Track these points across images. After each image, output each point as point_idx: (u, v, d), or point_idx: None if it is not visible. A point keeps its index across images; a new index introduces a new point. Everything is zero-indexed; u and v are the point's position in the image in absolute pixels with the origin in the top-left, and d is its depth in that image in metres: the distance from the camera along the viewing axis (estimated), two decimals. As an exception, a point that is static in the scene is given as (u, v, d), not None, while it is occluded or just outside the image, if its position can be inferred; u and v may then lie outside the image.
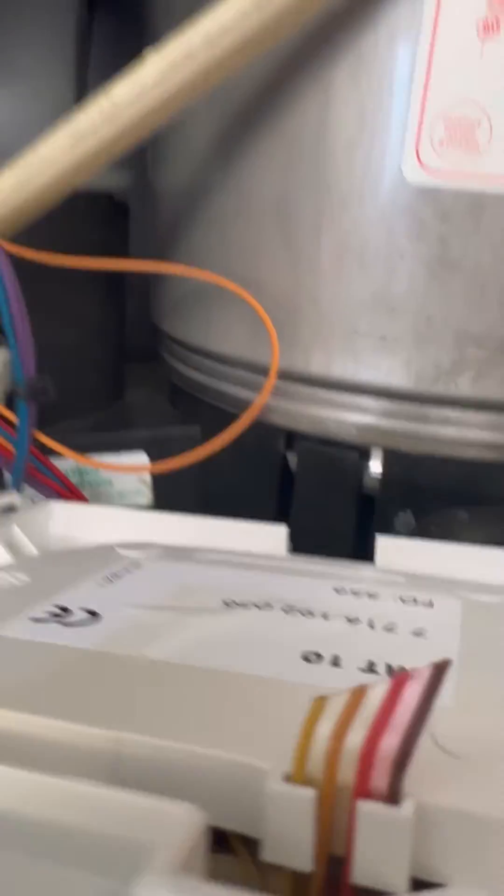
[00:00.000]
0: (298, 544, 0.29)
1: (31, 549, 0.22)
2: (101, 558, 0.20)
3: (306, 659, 0.14)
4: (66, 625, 0.16)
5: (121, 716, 0.12)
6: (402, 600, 0.18)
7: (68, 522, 0.24)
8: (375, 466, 0.28)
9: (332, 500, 0.29)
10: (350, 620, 0.16)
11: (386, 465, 0.28)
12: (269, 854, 0.10)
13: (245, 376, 0.30)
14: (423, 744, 0.10)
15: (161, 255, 0.33)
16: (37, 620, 0.16)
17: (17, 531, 0.22)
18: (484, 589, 0.19)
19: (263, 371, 0.29)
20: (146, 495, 0.34)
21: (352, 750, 0.10)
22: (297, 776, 0.10)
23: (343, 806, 0.10)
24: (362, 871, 0.09)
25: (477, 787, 0.10)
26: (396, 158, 0.24)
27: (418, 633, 0.16)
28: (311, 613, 0.17)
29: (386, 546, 0.21)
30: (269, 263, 0.27)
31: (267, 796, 0.10)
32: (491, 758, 0.11)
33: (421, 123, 0.23)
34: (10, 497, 0.23)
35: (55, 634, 0.15)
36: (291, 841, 0.10)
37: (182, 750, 0.11)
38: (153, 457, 0.34)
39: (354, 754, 0.09)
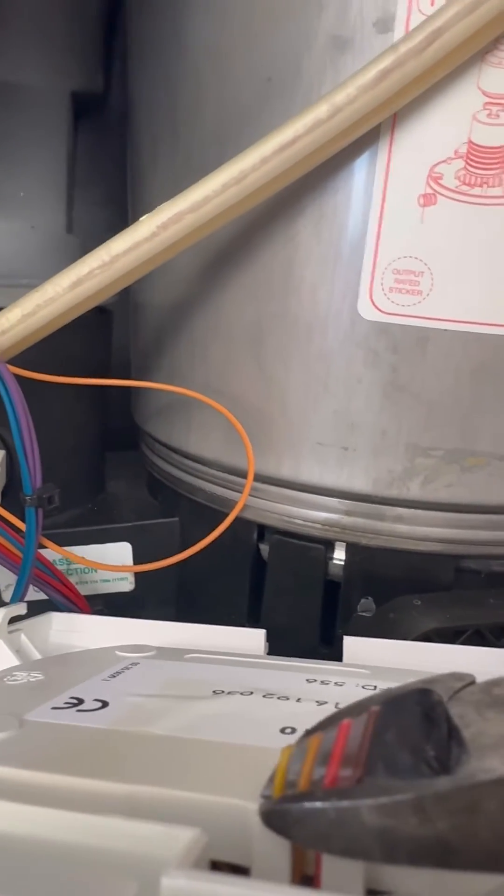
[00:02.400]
0: (271, 626, 0.32)
1: (36, 655, 0.25)
2: (104, 659, 0.23)
3: (283, 731, 0.17)
4: (81, 711, 0.19)
5: (134, 773, 0.15)
6: (364, 688, 0.21)
7: (66, 630, 0.27)
8: (339, 556, 0.32)
9: (301, 587, 0.32)
10: (319, 703, 0.19)
11: (348, 555, 0.31)
12: (256, 877, 0.13)
13: (220, 475, 0.33)
14: None
15: (144, 361, 0.37)
16: (57, 709, 0.19)
17: (24, 639, 0.25)
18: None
19: (237, 472, 0.32)
20: (129, 581, 0.37)
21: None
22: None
23: None
24: (328, 884, 0.13)
25: None
26: (353, 299, 0.28)
27: None
28: (286, 698, 0.20)
29: (350, 644, 0.25)
30: (245, 382, 0.30)
31: (253, 828, 0.13)
32: None
33: (374, 273, 0.27)
34: (19, 608, 0.26)
35: (73, 718, 0.18)
36: (273, 865, 0.13)
37: (184, 797, 0.14)
38: (135, 545, 0.37)
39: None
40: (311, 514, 0.31)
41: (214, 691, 0.20)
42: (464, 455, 0.29)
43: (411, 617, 0.29)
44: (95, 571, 0.36)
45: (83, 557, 0.36)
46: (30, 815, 0.14)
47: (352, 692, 0.20)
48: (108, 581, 0.37)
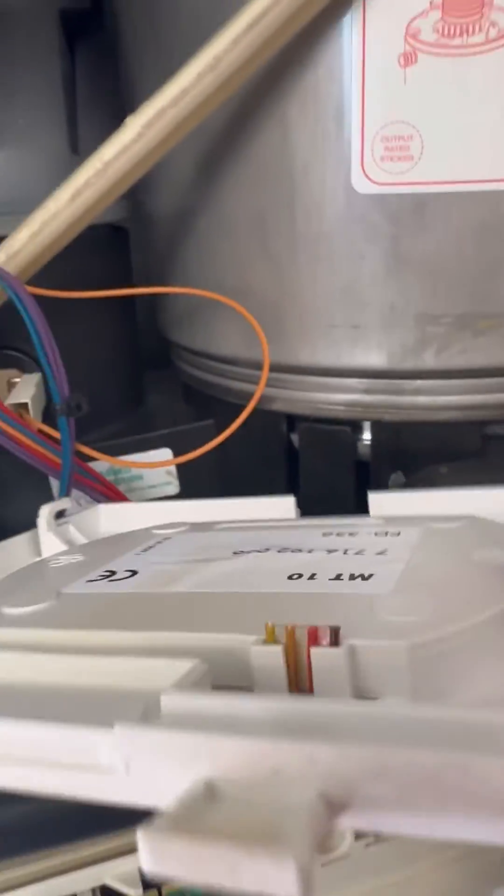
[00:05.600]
0: (308, 511, 0.33)
1: None
2: (140, 538, 0.25)
3: (290, 577, 0.19)
4: (113, 581, 0.20)
5: (151, 623, 0.17)
6: (376, 534, 0.22)
7: (115, 519, 0.29)
8: (367, 437, 0.33)
9: (333, 470, 0.34)
10: (329, 551, 0.21)
11: (374, 433, 0.32)
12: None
13: (245, 372, 0.34)
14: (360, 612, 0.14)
15: (160, 272, 0.38)
16: (91, 581, 0.21)
17: (72, 530, 0.27)
18: (448, 519, 0.23)
19: (260, 366, 0.33)
20: (174, 485, 0.39)
21: (302, 626, 0.14)
22: (269, 639, 0.15)
23: (302, 657, 0.14)
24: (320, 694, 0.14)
25: (393, 632, 0.15)
26: (346, 174, 0.28)
27: (381, 553, 0.20)
28: (299, 550, 0.21)
29: (377, 499, 0.25)
30: (253, 273, 0.31)
31: (251, 655, 0.15)
32: (405, 616, 0.16)
33: (363, 144, 0.27)
34: (63, 503, 0.28)
35: (105, 587, 0.20)
36: (272, 684, 0.14)
37: (190, 636, 0.16)
38: (175, 450, 0.39)
39: (304, 628, 0.14)
40: (333, 397, 0.32)
41: (235, 552, 0.22)
42: (475, 319, 0.29)
43: (439, 485, 0.30)
44: (142, 478, 0.38)
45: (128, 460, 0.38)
46: (54, 663, 0.15)
47: (363, 540, 0.22)
48: (155, 486, 0.38)
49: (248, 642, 0.15)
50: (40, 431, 0.31)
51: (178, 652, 0.15)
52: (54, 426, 0.31)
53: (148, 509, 0.30)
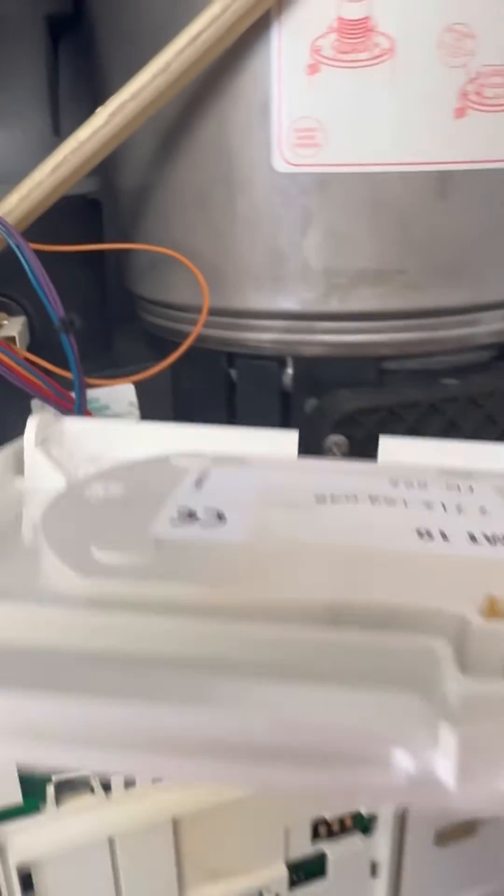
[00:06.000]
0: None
1: (71, 466, 0.25)
2: (167, 468, 0.22)
3: (420, 535, 0.16)
4: (205, 526, 0.17)
5: (323, 583, 0.14)
6: (449, 487, 0.20)
7: (83, 437, 0.28)
8: (289, 370, 0.41)
9: (263, 399, 0.42)
10: (427, 506, 0.19)
11: (295, 367, 0.40)
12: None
13: (193, 317, 0.42)
14: None
15: (125, 236, 0.45)
16: (176, 525, 0.17)
17: (55, 451, 0.26)
18: (498, 475, 0.21)
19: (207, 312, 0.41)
20: (136, 415, 0.47)
21: None
22: (491, 613, 0.13)
23: None
24: None
25: None
26: (268, 156, 0.35)
27: (483, 511, 0.18)
28: (392, 502, 0.19)
29: (387, 445, 0.26)
30: (198, 236, 0.39)
31: (472, 632, 0.13)
32: None
33: (280, 133, 0.35)
34: (48, 418, 0.28)
35: (203, 534, 0.16)
36: (485, 662, 0.13)
37: (394, 605, 0.13)
38: (136, 384, 0.47)
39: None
40: (261, 336, 0.40)
41: (316, 497, 0.19)
42: (369, 274, 0.37)
43: (337, 402, 0.38)
44: (108, 408, 0.46)
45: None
46: (249, 635, 0.13)
47: (444, 494, 0.20)
48: (119, 416, 0.46)
49: (470, 616, 0.13)
50: (26, 359, 0.38)
51: (387, 623, 0.13)
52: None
53: (130, 430, 0.29)
